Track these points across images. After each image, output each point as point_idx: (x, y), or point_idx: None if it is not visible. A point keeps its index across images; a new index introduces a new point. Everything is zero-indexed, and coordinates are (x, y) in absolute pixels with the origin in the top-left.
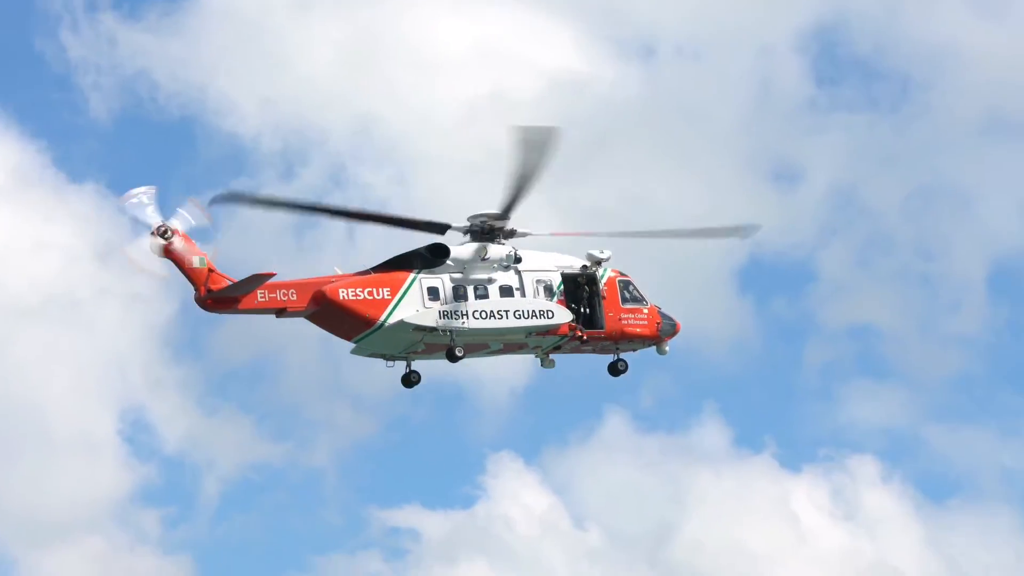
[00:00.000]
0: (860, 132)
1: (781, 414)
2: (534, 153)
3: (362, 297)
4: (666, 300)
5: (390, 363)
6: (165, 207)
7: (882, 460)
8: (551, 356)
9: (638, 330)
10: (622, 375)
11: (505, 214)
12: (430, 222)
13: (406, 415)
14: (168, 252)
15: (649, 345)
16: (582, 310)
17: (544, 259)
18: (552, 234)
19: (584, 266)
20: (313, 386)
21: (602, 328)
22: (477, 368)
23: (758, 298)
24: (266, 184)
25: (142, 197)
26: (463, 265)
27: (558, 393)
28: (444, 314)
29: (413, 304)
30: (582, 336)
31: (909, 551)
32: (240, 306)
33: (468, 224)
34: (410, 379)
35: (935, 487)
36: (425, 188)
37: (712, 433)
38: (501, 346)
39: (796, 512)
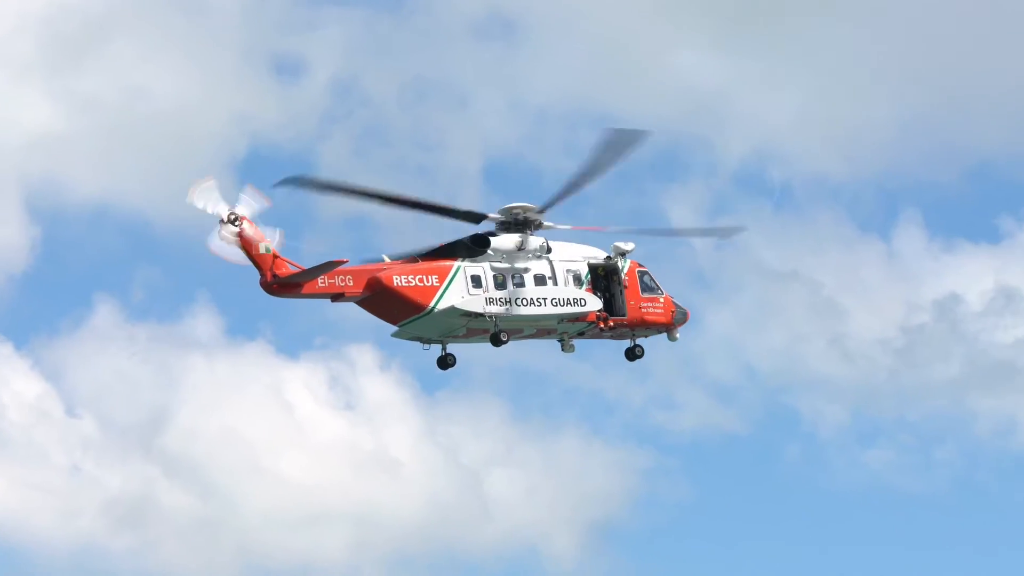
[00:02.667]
0: (360, 26)
1: (276, 302)
2: (611, 154)
3: (414, 284)
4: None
5: (426, 346)
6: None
7: (379, 350)
8: (571, 342)
9: (656, 318)
10: (638, 359)
11: (544, 209)
12: (468, 211)
13: None
14: (239, 237)
15: (662, 332)
16: (605, 298)
17: (572, 250)
18: (572, 228)
19: (608, 257)
20: None
21: (624, 316)
22: None
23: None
24: None
25: (205, 189)
26: (502, 255)
27: (50, 280)
28: (489, 300)
29: (458, 291)
30: (608, 323)
31: (405, 440)
32: (303, 291)
33: (502, 217)
34: (446, 361)
35: (428, 378)
36: None
37: (205, 321)
38: (534, 331)
39: (292, 401)
